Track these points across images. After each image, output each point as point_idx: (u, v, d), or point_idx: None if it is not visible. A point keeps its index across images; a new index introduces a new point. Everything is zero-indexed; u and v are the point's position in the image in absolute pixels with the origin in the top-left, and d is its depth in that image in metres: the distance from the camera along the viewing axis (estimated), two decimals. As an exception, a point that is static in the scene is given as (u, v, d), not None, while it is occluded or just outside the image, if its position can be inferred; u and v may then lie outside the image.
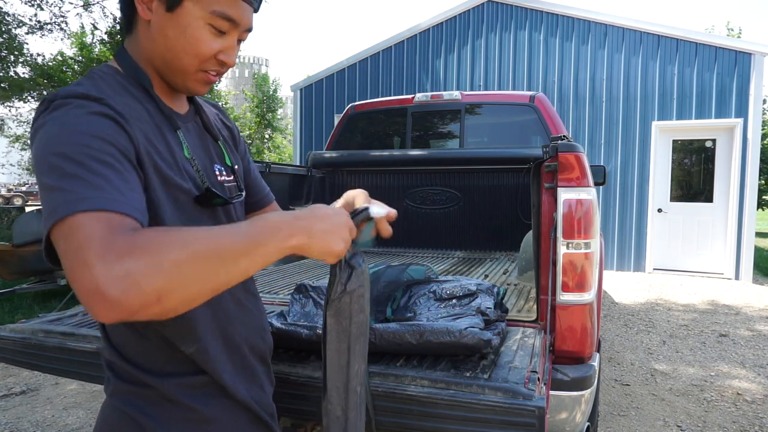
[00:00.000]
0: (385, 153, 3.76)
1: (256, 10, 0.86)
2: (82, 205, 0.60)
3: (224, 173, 0.95)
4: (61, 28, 11.36)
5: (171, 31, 0.79)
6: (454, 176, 3.64)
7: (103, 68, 0.83)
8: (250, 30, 0.85)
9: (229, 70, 0.94)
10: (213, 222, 0.87)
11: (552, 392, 1.44)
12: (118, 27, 11.74)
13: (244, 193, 0.98)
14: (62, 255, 0.59)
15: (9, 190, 25.79)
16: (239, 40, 0.86)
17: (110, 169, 0.65)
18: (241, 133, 1.13)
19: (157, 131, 0.81)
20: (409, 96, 4.02)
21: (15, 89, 11.37)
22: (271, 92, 24.75)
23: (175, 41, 0.80)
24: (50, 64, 12.64)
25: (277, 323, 1.44)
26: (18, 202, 21.60)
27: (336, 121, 9.07)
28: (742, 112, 7.31)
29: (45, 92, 12.65)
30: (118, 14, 11.63)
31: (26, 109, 13.87)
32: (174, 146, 0.83)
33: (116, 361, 0.83)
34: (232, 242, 0.61)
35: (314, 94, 9.49)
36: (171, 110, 0.87)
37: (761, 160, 9.48)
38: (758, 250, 8.52)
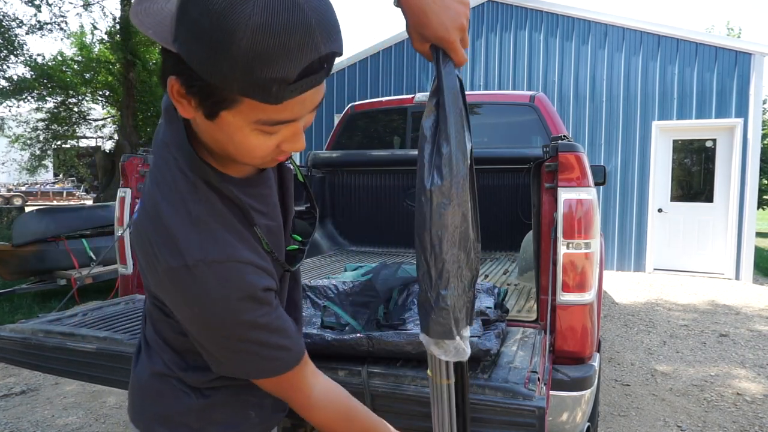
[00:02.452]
0: (385, 153, 3.76)
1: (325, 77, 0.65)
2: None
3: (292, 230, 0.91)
4: (61, 28, 11.37)
5: (218, 135, 0.67)
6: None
7: (194, 183, 0.71)
8: (316, 107, 0.69)
9: None
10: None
11: (552, 392, 1.44)
12: (117, 27, 11.75)
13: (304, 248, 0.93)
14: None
15: (9, 190, 25.79)
16: (304, 125, 0.71)
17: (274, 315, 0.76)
18: None
19: (240, 231, 0.74)
20: (409, 96, 4.02)
21: (14, 90, 11.36)
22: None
23: (225, 144, 0.68)
24: (50, 64, 12.64)
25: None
26: (18, 202, 21.59)
27: (336, 121, 9.06)
28: (743, 112, 7.30)
29: (45, 92, 12.66)
30: (118, 14, 11.67)
31: (26, 108, 13.88)
32: (254, 242, 0.75)
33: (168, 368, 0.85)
34: None
35: (314, 94, 9.49)
36: (242, 200, 0.74)
37: (761, 160, 9.48)
38: (758, 250, 8.52)
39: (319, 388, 0.81)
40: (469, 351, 0.81)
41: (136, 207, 0.81)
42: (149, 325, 0.86)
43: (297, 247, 0.90)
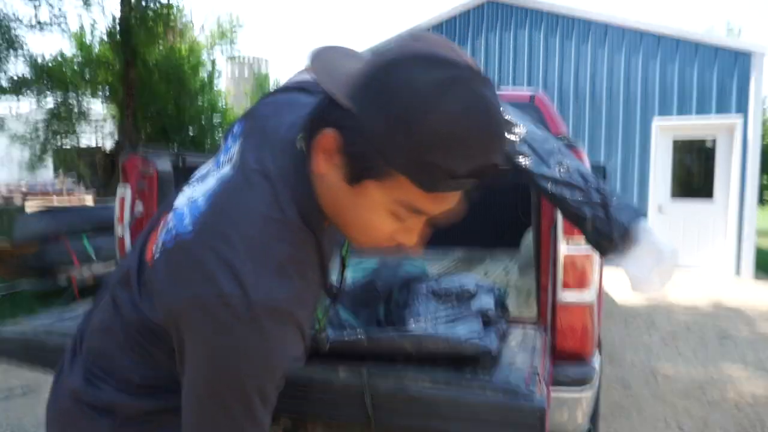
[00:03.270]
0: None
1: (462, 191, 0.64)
2: None
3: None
4: (61, 28, 11.36)
5: (344, 200, 0.64)
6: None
7: (291, 224, 0.67)
8: (450, 209, 0.66)
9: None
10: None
11: (553, 392, 1.44)
12: (117, 26, 11.74)
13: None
14: None
15: (9, 190, 25.77)
16: (430, 222, 0.67)
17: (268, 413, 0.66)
18: None
19: (313, 290, 0.71)
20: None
21: (14, 89, 11.36)
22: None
23: (346, 211, 0.66)
24: (50, 63, 12.63)
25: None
26: (18, 201, 21.58)
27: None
28: (742, 110, 7.30)
29: (45, 91, 12.65)
30: (118, 14, 11.66)
31: (27, 108, 13.87)
32: (314, 306, 0.74)
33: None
34: None
35: (314, 94, 9.49)
36: (325, 258, 0.72)
37: (762, 159, 9.48)
38: (759, 249, 8.51)
39: None
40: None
41: (168, 224, 0.72)
42: (111, 342, 0.76)
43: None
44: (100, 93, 14.32)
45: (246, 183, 0.69)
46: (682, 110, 7.60)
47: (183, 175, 2.46)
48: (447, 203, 0.63)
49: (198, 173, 0.82)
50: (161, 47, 14.30)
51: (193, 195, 0.73)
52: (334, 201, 0.66)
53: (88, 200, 19.82)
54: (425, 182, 0.58)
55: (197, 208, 0.69)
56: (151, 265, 0.71)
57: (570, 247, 1.59)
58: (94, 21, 14.11)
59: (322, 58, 0.65)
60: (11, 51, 10.50)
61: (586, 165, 1.64)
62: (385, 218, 0.63)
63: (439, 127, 0.55)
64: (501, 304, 1.72)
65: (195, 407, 0.64)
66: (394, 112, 0.56)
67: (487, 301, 1.67)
